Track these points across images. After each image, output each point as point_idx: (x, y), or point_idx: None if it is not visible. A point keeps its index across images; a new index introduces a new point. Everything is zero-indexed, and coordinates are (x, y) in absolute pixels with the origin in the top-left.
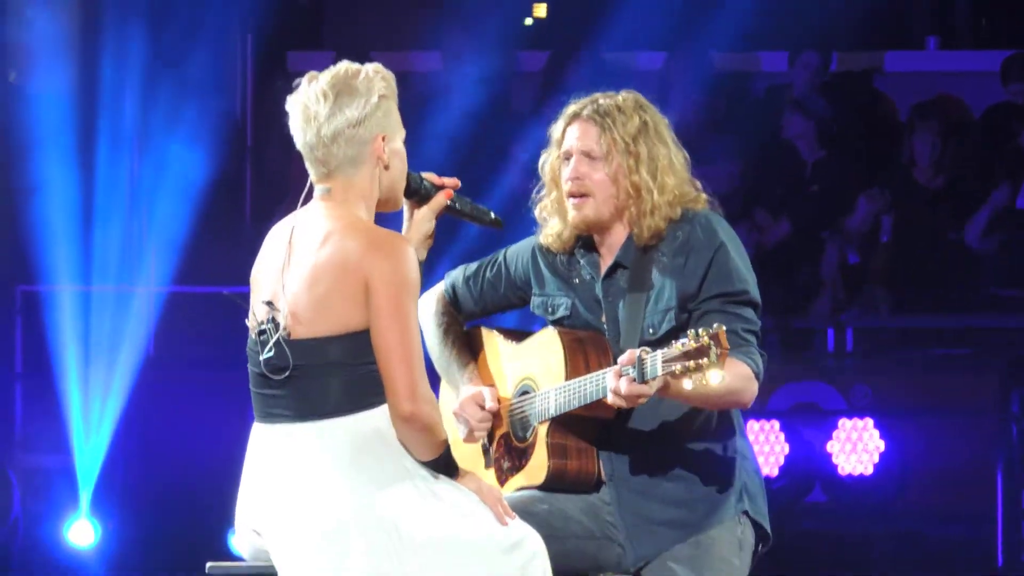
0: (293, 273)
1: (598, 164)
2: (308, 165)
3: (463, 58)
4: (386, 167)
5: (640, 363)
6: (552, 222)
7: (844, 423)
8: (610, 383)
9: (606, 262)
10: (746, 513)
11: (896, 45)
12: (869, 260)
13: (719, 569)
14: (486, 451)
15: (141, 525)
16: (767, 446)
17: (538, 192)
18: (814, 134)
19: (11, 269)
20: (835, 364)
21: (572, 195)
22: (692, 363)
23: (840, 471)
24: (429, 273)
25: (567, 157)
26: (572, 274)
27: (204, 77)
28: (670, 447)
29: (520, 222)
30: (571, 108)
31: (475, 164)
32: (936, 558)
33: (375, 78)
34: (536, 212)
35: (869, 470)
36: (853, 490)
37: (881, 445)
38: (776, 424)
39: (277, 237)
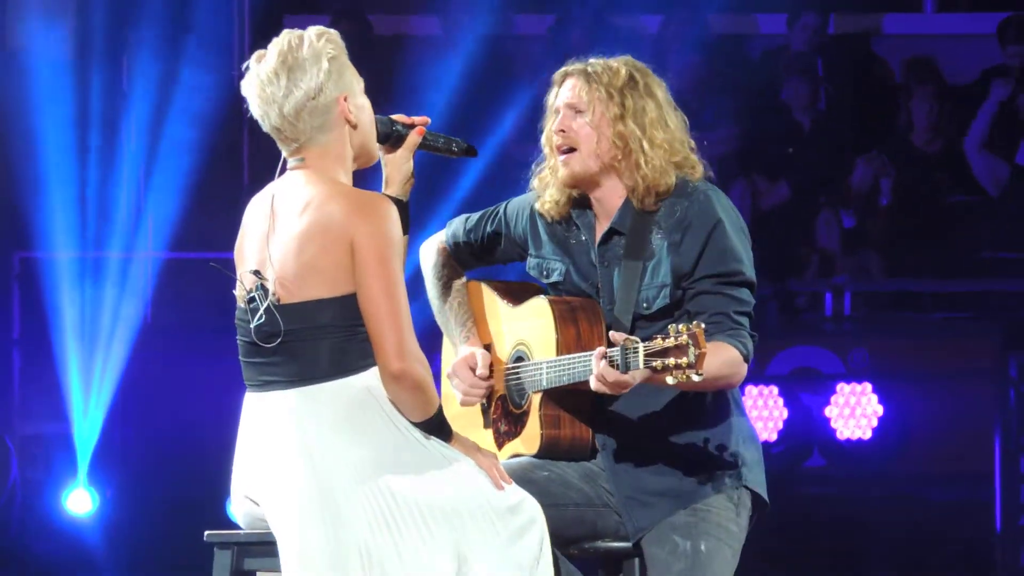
0: (278, 241)
1: (582, 116)
2: (280, 145)
3: (461, 22)
4: (354, 126)
5: (623, 353)
6: (550, 191)
7: (843, 387)
8: (595, 367)
9: (602, 226)
10: (743, 484)
11: (894, 7)
12: (867, 224)
13: (716, 536)
14: (484, 411)
15: (139, 493)
16: (765, 411)
17: (538, 164)
18: (813, 97)
19: (9, 235)
20: (833, 328)
21: (559, 150)
22: (672, 361)
23: (839, 435)
24: (417, 224)
25: (556, 116)
26: (569, 236)
27: (201, 41)
28: (663, 417)
29: (519, 189)
30: (561, 70)
31: (473, 128)
32: (934, 522)
33: (320, 43)
34: (535, 183)
35: (868, 435)
36: (852, 455)
37: (880, 409)
38: (775, 389)
39: (258, 208)
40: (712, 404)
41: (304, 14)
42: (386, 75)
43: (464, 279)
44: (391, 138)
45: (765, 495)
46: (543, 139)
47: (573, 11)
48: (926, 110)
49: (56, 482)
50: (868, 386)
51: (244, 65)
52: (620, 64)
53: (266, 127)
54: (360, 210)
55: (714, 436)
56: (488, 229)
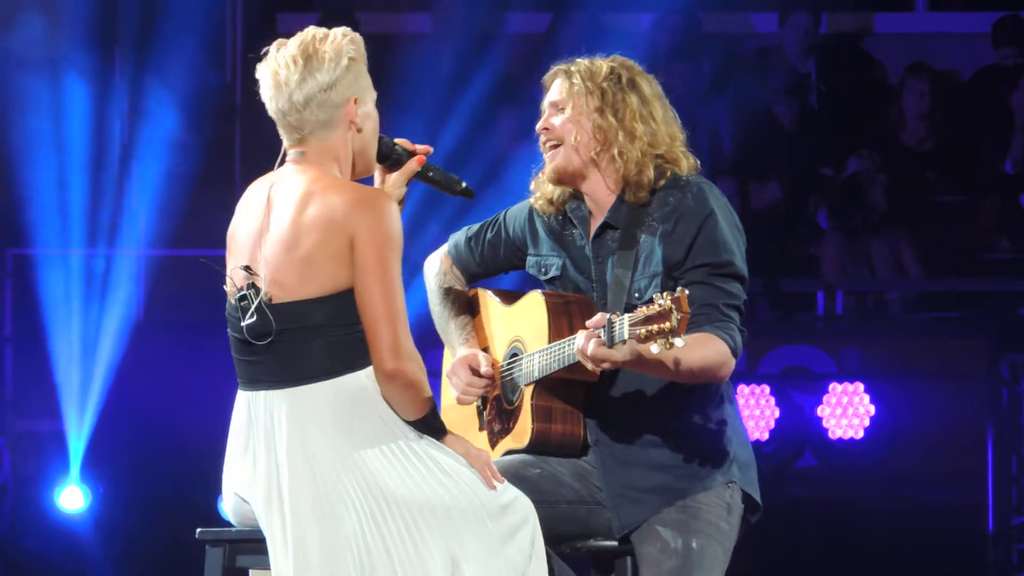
0: (272, 236)
1: (563, 112)
2: (281, 131)
3: (452, 19)
4: (359, 130)
5: (609, 326)
6: (541, 188)
7: (835, 387)
8: (579, 342)
9: (596, 220)
10: (734, 482)
11: (886, 7)
12: (859, 223)
13: (707, 533)
14: (480, 413)
15: (131, 490)
16: (757, 410)
17: (536, 166)
18: (806, 99)
19: (1, 232)
20: (825, 327)
21: (545, 148)
22: (655, 327)
23: (831, 435)
24: (410, 241)
25: (543, 116)
26: (565, 232)
27: (193, 39)
28: (654, 413)
29: (510, 188)
30: (550, 71)
31: (464, 127)
32: (926, 523)
33: (343, 42)
34: (532, 185)
35: (860, 434)
36: (844, 454)
37: (872, 409)
38: (766, 388)
39: (253, 199)
40: (705, 403)
41: (296, 12)
42: (375, 74)
43: (465, 288)
44: (389, 159)
45: (758, 497)
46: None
47: (568, 10)
48: (918, 109)
49: (48, 479)
50: (860, 386)
51: (264, 49)
52: (604, 61)
53: (272, 110)
54: (362, 204)
55: (706, 435)
56: (488, 236)
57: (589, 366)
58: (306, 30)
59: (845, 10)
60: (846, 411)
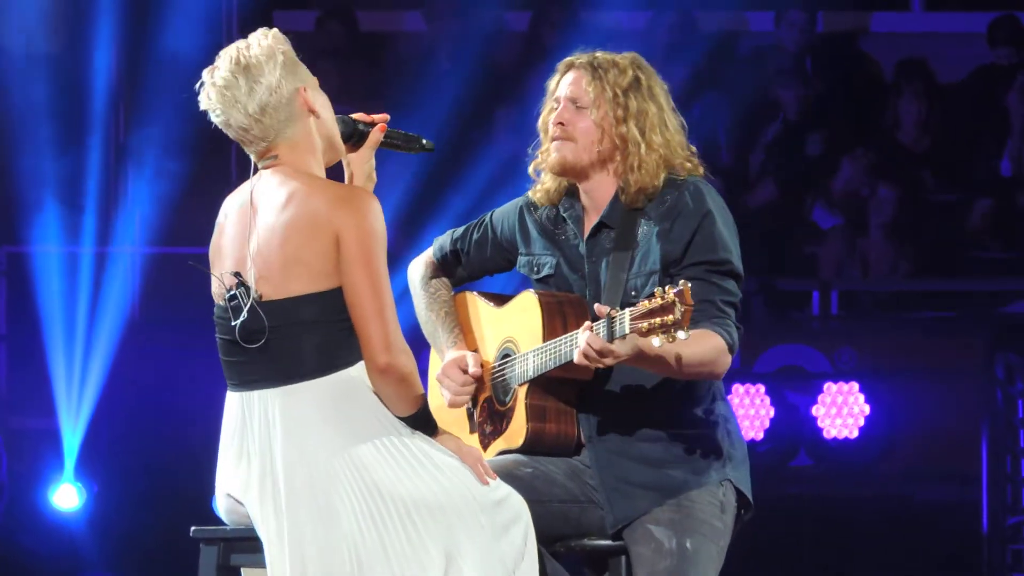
0: (259, 237)
1: (584, 112)
2: (246, 147)
3: (448, 17)
4: (318, 115)
5: (609, 321)
6: (543, 177)
7: (829, 387)
8: (579, 341)
9: (591, 219)
10: (728, 480)
11: (882, 5)
12: (854, 222)
13: (701, 532)
14: (470, 416)
15: (126, 488)
16: (752, 410)
17: (534, 149)
18: (802, 98)
19: None
20: (820, 327)
21: (554, 138)
22: (658, 320)
23: (825, 435)
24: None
25: (557, 105)
26: (558, 231)
27: (189, 36)
28: (648, 409)
29: (506, 185)
30: (568, 59)
31: (460, 125)
32: (921, 522)
33: (269, 42)
34: (530, 169)
35: (854, 434)
36: (838, 454)
37: (866, 409)
38: (761, 387)
39: (235, 205)
40: (699, 400)
41: (292, 10)
42: (373, 71)
43: (451, 291)
44: (353, 137)
45: (749, 495)
46: (539, 124)
47: (559, 8)
48: (914, 109)
49: (43, 477)
50: (855, 385)
51: (198, 83)
52: (627, 63)
53: (232, 132)
54: (345, 203)
55: (700, 431)
56: (475, 237)
57: (587, 363)
58: (226, 50)
59: (841, 9)
60: (841, 411)
